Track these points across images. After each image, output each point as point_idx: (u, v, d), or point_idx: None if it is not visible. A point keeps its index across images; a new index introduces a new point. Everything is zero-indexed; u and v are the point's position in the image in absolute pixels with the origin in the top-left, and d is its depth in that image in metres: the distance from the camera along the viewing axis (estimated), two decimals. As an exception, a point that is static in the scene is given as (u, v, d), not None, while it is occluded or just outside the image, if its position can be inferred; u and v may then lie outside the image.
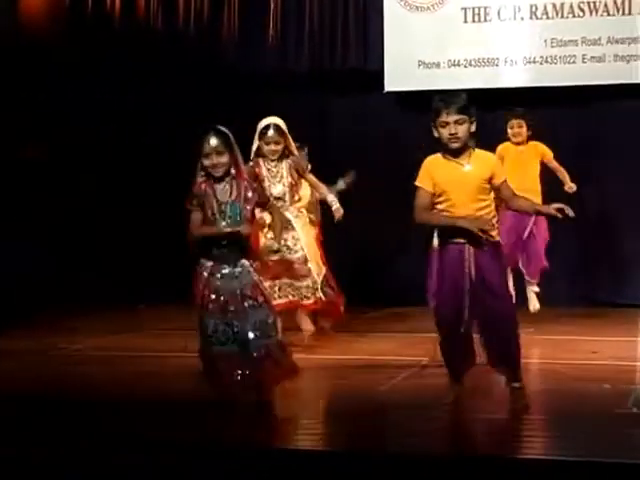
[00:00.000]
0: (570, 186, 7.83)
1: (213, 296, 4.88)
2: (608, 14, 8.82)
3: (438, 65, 9.12)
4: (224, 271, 4.89)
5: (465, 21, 9.12)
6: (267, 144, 6.69)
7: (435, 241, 5.84)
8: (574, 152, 9.16)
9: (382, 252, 9.30)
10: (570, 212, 4.77)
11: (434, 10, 9.16)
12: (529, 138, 7.95)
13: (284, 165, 6.71)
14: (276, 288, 6.56)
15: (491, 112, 9.22)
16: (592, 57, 8.80)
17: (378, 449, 4.26)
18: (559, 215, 4.81)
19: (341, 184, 7.50)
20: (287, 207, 6.66)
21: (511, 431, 4.53)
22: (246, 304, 4.87)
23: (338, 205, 6.89)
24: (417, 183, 4.88)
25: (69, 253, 9.44)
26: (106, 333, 7.60)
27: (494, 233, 4.85)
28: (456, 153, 4.83)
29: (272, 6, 9.47)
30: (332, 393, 5.62)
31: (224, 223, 4.88)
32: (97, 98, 9.57)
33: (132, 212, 9.34)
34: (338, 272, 7.06)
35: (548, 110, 9.13)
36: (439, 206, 4.83)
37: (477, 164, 4.83)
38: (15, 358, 6.51)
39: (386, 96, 9.26)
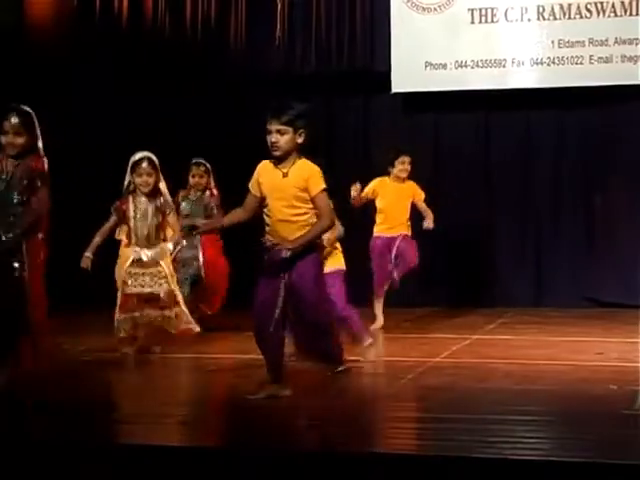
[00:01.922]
0: (428, 223, 7.70)
1: None
2: (615, 15, 8.82)
3: (445, 66, 9.12)
4: None
5: (472, 22, 9.12)
6: (139, 176, 6.58)
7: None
8: (580, 153, 9.17)
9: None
10: None
11: (441, 11, 9.16)
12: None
13: (150, 207, 6.60)
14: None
15: (498, 113, 9.30)
16: (599, 58, 8.80)
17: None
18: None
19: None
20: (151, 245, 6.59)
21: (515, 432, 4.52)
22: None
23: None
24: (249, 185, 5.13)
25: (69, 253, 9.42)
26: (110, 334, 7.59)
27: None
28: (279, 160, 5.04)
29: (279, 7, 9.49)
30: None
31: None
32: (101, 100, 9.59)
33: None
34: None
35: (555, 111, 9.14)
36: (264, 209, 5.07)
37: (295, 173, 5.02)
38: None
39: (393, 97, 9.27)
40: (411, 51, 9.18)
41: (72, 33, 9.71)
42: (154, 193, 6.62)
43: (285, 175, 5.02)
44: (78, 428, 4.52)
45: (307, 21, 9.51)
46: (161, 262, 6.57)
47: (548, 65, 8.94)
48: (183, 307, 6.61)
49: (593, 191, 9.14)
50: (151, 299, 6.52)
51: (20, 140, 5.27)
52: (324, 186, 5.05)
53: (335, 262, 6.52)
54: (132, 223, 6.55)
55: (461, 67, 9.10)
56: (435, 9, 9.18)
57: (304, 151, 4.99)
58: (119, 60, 9.66)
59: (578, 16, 8.90)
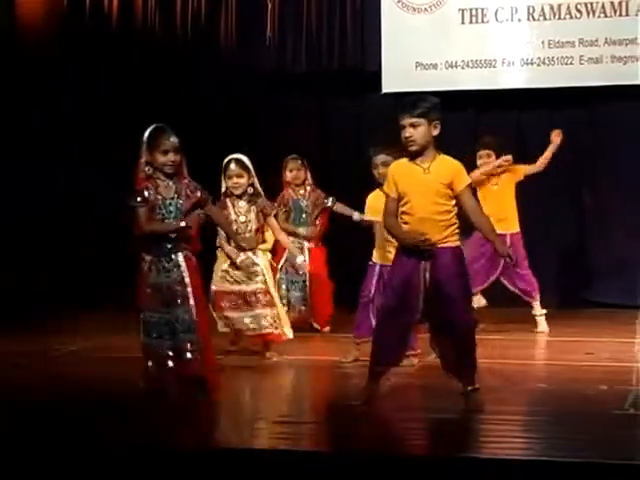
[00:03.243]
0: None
1: (149, 290, 5.07)
2: (605, 15, 8.83)
3: (435, 66, 9.12)
4: (162, 265, 5.06)
5: (462, 22, 9.13)
6: (229, 178, 6.50)
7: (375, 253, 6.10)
8: (571, 153, 9.18)
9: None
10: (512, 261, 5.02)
11: (432, 11, 9.17)
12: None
13: (252, 209, 6.52)
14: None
15: (489, 113, 9.31)
16: (589, 58, 8.80)
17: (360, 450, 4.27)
18: (508, 260, 4.99)
19: (356, 217, 7.41)
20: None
21: (507, 432, 4.53)
22: (178, 300, 5.06)
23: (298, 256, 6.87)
24: (385, 189, 4.98)
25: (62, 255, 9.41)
26: (102, 334, 7.58)
27: (454, 238, 4.88)
28: (416, 156, 4.86)
29: (270, 7, 9.48)
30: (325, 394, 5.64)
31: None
32: (91, 100, 9.57)
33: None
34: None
35: (545, 111, 9.15)
36: (402, 208, 4.88)
37: (438, 168, 4.85)
38: (10, 360, 6.50)
39: (384, 97, 9.27)
40: (401, 51, 9.18)
41: (62, 32, 9.68)
42: (250, 194, 6.50)
43: (427, 171, 4.84)
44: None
45: (298, 21, 9.49)
46: (257, 261, 6.48)
47: (538, 65, 8.96)
48: (279, 310, 6.49)
49: (585, 191, 9.16)
50: (244, 299, 6.44)
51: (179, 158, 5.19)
52: (469, 182, 4.90)
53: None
54: (234, 227, 6.42)
55: (451, 67, 9.11)
56: (426, 9, 9.19)
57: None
58: (109, 60, 9.62)
59: (568, 16, 8.91)
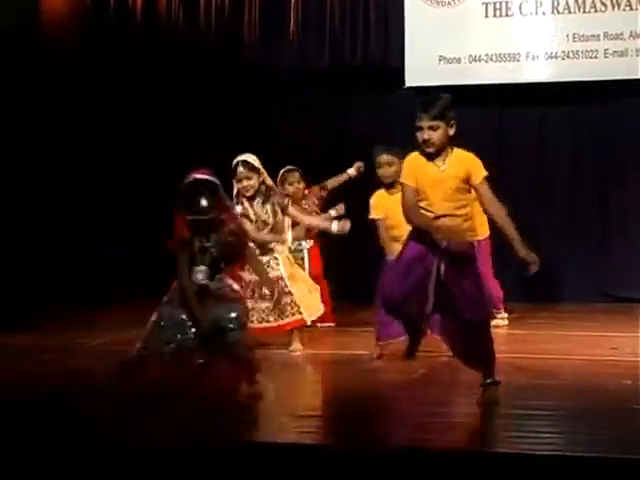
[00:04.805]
0: None
1: None
2: (631, 8, 8.77)
3: (459, 60, 9.10)
4: None
5: (486, 16, 9.09)
6: (239, 182, 6.49)
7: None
8: (595, 147, 9.14)
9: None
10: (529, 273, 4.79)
11: (455, 5, 9.14)
12: None
13: (268, 207, 6.52)
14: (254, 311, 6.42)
15: (512, 107, 9.28)
16: (614, 52, 8.75)
17: (378, 444, 4.28)
18: (529, 271, 4.80)
19: (332, 213, 7.44)
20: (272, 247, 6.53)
21: (530, 427, 4.52)
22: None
23: (335, 227, 6.63)
24: (402, 180, 4.91)
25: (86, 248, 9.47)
26: (121, 328, 7.61)
27: (472, 233, 4.90)
28: (432, 157, 4.83)
29: (293, 2, 9.48)
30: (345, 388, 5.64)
31: None
32: (102, 98, 9.60)
33: (150, 208, 9.34)
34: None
35: (569, 105, 9.11)
36: (420, 204, 4.84)
37: (453, 164, 4.83)
38: (33, 354, 6.56)
39: (407, 91, 9.25)
40: (425, 45, 9.16)
41: (85, 28, 9.72)
42: (264, 193, 6.52)
43: (443, 168, 4.81)
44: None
45: (321, 16, 9.49)
46: (276, 249, 6.52)
47: (562, 59, 8.91)
48: (294, 298, 6.47)
49: (608, 186, 9.11)
50: (260, 289, 6.45)
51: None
52: (486, 173, 4.86)
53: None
54: (254, 226, 6.46)
55: (475, 61, 9.08)
56: (449, 3, 9.16)
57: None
58: (128, 56, 9.65)
59: (593, 10, 8.86)
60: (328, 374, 6.04)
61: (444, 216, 4.79)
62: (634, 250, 8.89)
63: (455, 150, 4.89)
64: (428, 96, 5.00)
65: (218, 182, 5.16)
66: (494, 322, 7.02)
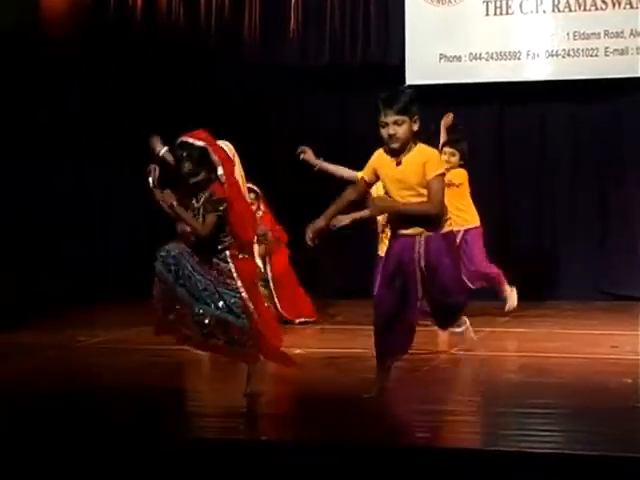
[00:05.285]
0: None
1: None
2: (631, 7, 8.75)
3: (459, 59, 9.08)
4: None
5: (487, 14, 9.08)
6: None
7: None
8: (596, 146, 9.13)
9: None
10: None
11: (455, 3, 9.13)
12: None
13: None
14: None
15: (513, 105, 9.27)
16: (615, 50, 8.73)
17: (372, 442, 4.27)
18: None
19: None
20: None
21: (529, 425, 4.52)
22: None
23: None
24: (359, 173, 5.12)
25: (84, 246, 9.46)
26: (126, 326, 7.62)
27: (446, 224, 4.96)
28: (398, 153, 4.85)
29: (293, 1, 9.47)
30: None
31: None
32: (101, 98, 9.59)
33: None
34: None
35: (570, 104, 9.10)
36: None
37: (412, 161, 4.83)
38: (35, 352, 6.57)
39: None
40: (425, 43, 9.15)
41: (85, 27, 9.71)
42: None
43: (400, 164, 4.85)
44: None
45: (321, 14, 9.47)
46: None
47: (563, 57, 8.89)
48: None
49: (608, 185, 9.10)
50: None
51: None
52: (441, 171, 4.85)
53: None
54: None
55: (476, 59, 9.07)
56: (449, 1, 9.15)
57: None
58: (127, 55, 9.64)
59: (593, 8, 8.85)
60: (323, 373, 6.02)
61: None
62: (634, 249, 8.87)
63: (418, 146, 4.89)
64: (391, 91, 5.00)
65: (205, 145, 5.14)
66: (506, 307, 7.57)
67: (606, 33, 8.78)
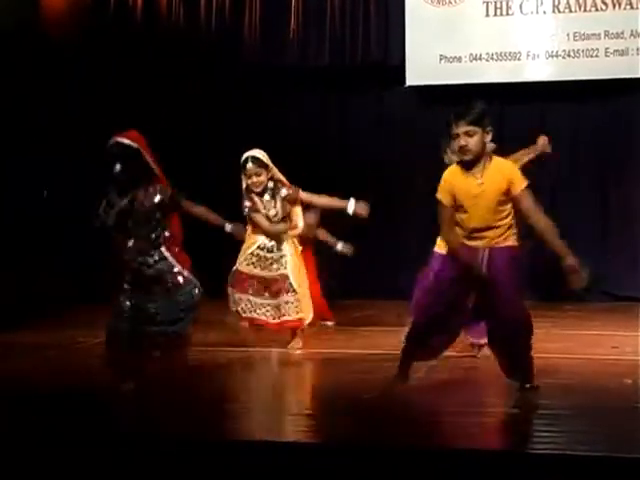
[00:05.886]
0: None
1: None
2: (632, 7, 8.78)
3: (460, 59, 9.09)
4: None
5: (487, 15, 9.09)
6: (249, 177, 6.49)
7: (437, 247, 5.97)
8: (596, 146, 9.14)
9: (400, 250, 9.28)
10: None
11: (455, 4, 9.14)
12: None
13: (278, 200, 6.53)
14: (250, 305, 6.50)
15: (513, 106, 9.27)
16: (615, 51, 8.76)
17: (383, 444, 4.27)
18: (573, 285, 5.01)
19: (340, 247, 7.62)
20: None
21: (530, 426, 4.51)
22: None
23: (352, 207, 6.51)
24: (437, 195, 4.85)
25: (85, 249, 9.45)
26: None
27: (513, 238, 4.86)
28: (470, 165, 4.75)
29: (293, 1, 9.47)
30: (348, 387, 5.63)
31: None
32: (100, 97, 9.60)
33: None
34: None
35: (570, 104, 9.11)
36: (459, 215, 4.80)
37: (492, 176, 4.75)
38: (35, 352, 6.57)
39: (407, 90, 9.25)
40: (425, 44, 9.16)
41: (85, 27, 9.71)
42: (273, 188, 6.52)
43: (481, 183, 4.73)
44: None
45: (321, 15, 9.49)
46: (284, 248, 6.52)
47: (563, 58, 8.91)
48: (299, 296, 6.46)
49: (609, 185, 9.10)
50: (265, 284, 6.48)
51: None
52: (526, 183, 4.78)
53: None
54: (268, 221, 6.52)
55: (476, 60, 9.08)
56: (450, 2, 9.16)
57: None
58: (126, 55, 9.64)
59: (593, 9, 8.86)
60: (329, 373, 6.02)
61: (485, 229, 4.76)
62: (634, 249, 8.87)
63: (494, 160, 4.81)
64: (464, 105, 4.88)
65: (135, 145, 5.30)
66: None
67: (606, 34, 8.79)
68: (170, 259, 5.30)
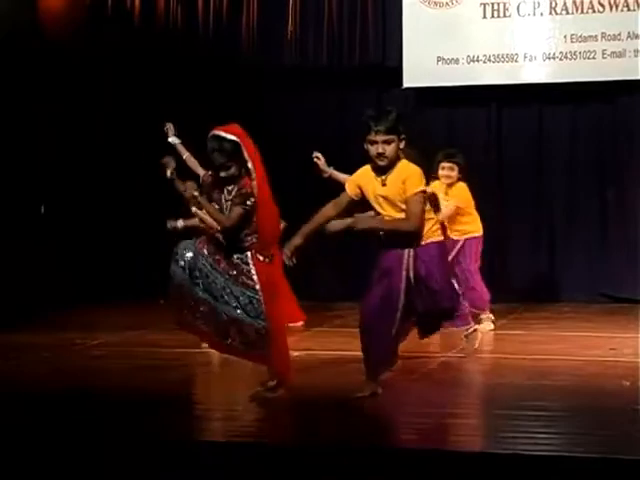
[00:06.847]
0: None
1: None
2: (628, 9, 8.77)
3: (457, 61, 9.09)
4: None
5: (484, 17, 9.09)
6: None
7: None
8: (594, 147, 9.14)
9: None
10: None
11: (453, 6, 9.14)
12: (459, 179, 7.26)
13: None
14: None
15: (510, 108, 9.28)
16: (612, 53, 8.75)
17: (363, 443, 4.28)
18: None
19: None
20: None
21: (527, 428, 4.52)
22: None
23: None
24: (346, 184, 5.12)
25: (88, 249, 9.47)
26: (125, 328, 7.63)
27: (435, 234, 5.03)
28: (385, 171, 4.95)
29: (291, 2, 9.48)
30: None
31: None
32: (112, 96, 9.61)
33: (151, 209, 9.34)
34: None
35: (567, 106, 9.11)
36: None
37: (394, 179, 4.94)
38: (35, 352, 6.57)
39: (405, 92, 9.25)
40: (423, 46, 9.16)
41: (84, 28, 9.70)
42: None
43: (384, 183, 4.96)
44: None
45: (319, 16, 9.48)
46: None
47: (560, 60, 8.90)
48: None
49: (607, 186, 9.11)
50: None
51: None
52: (420, 188, 4.93)
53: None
54: None
55: (473, 62, 9.08)
56: (447, 4, 9.15)
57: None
58: (129, 55, 9.64)
59: (591, 10, 8.86)
60: (322, 374, 6.03)
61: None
62: (633, 250, 8.87)
63: (401, 163, 5.00)
64: (379, 110, 5.13)
65: (236, 139, 5.16)
66: (480, 326, 6.82)
67: (603, 35, 8.79)
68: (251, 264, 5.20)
